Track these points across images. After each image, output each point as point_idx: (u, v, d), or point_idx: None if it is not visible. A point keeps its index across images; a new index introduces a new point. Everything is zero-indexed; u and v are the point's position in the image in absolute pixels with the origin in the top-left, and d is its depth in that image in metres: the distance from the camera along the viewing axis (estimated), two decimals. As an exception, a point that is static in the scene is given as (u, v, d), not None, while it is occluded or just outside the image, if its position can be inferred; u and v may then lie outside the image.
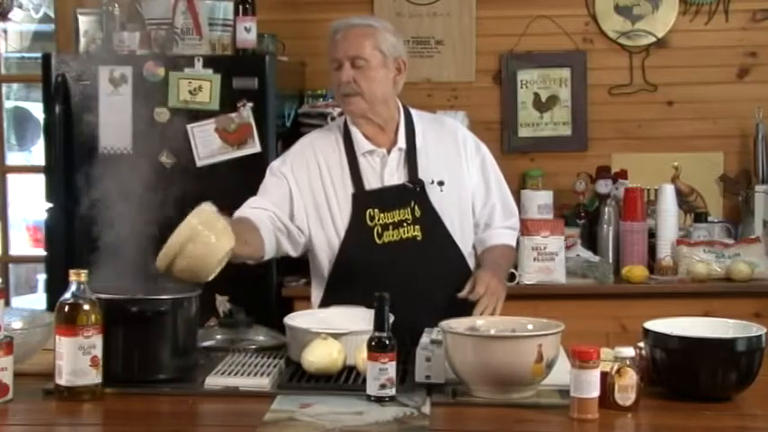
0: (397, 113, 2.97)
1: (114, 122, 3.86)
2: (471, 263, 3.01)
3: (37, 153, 8.35)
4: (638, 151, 4.55)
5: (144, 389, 2.34)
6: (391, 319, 2.30)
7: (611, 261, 4.16)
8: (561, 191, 4.42)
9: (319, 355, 2.39)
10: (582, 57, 4.56)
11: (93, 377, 2.25)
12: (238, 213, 2.82)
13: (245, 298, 3.23)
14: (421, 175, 2.91)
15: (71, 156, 3.94)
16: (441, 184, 2.91)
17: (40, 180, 4.13)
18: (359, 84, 2.85)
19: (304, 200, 2.90)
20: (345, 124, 2.96)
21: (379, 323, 2.25)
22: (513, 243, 3.12)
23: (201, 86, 3.89)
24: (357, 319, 2.57)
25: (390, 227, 2.87)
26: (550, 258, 3.99)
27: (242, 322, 2.75)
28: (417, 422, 2.10)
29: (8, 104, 7.73)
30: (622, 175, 4.39)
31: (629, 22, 4.55)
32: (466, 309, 2.73)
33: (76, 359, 2.23)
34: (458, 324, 2.37)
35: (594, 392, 2.11)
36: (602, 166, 4.41)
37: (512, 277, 3.92)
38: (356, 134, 2.93)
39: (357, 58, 2.85)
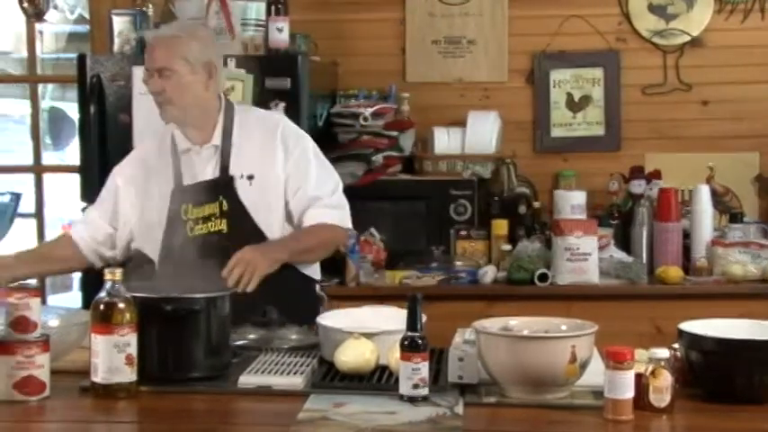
0: (216, 112, 3.06)
1: (147, 122, 3.87)
2: None
3: (70, 153, 8.42)
4: (673, 151, 4.52)
5: (178, 387, 2.35)
6: (424, 318, 2.29)
7: (644, 262, 4.13)
8: (594, 191, 4.40)
9: (352, 355, 2.39)
10: (615, 56, 4.54)
11: (128, 375, 2.27)
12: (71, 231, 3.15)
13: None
14: (232, 170, 3.02)
15: (105, 155, 3.96)
16: (250, 178, 3.02)
17: (74, 179, 4.17)
18: (168, 93, 2.96)
19: (131, 204, 3.09)
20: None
21: (411, 323, 2.25)
22: (330, 219, 3.08)
23: (234, 87, 3.90)
24: (390, 318, 2.57)
25: (201, 221, 2.99)
26: (583, 259, 3.97)
27: (275, 321, 2.76)
28: (450, 422, 2.10)
29: (44, 104, 7.79)
30: (656, 175, 4.36)
31: (662, 21, 4.52)
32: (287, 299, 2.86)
33: (112, 357, 2.25)
34: (491, 324, 2.36)
35: (629, 394, 2.10)
36: (635, 166, 4.38)
37: (543, 277, 3.92)
38: (177, 134, 3.08)
39: (164, 69, 2.95)
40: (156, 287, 2.48)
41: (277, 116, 3.31)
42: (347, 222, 3.15)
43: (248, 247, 2.88)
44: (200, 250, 2.89)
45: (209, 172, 3.03)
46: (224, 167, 3.02)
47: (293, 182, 3.07)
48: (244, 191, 3.01)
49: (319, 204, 3.08)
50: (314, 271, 3.18)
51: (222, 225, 2.99)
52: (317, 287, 3.15)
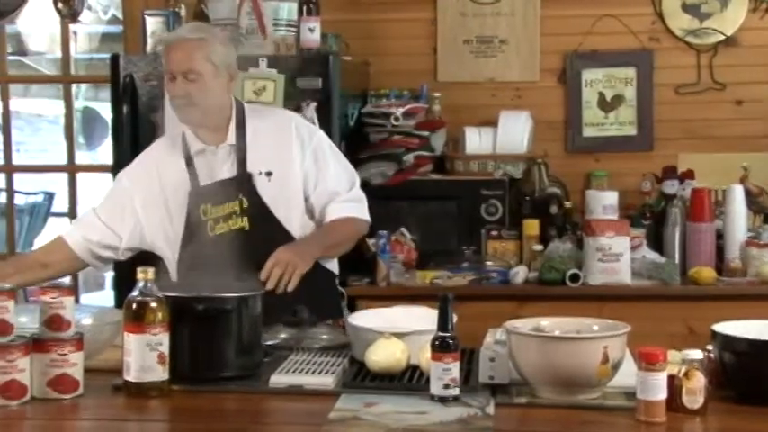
0: (229, 112, 3.06)
1: (180, 122, 3.89)
2: None
3: (103, 152, 8.48)
4: (706, 151, 4.49)
5: (209, 386, 2.36)
6: (455, 318, 2.29)
7: (677, 262, 4.10)
8: (626, 191, 4.37)
9: (383, 355, 2.39)
10: (648, 56, 4.52)
11: (160, 374, 2.28)
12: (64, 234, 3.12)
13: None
14: (250, 168, 3.03)
15: (137, 155, 3.98)
16: (269, 174, 3.03)
17: (107, 179, 4.19)
18: (192, 96, 2.96)
19: (142, 205, 3.07)
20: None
21: (442, 323, 2.24)
22: (352, 213, 3.13)
23: (266, 86, 3.91)
24: (420, 318, 2.57)
25: (221, 220, 2.99)
26: (615, 259, 3.95)
27: (306, 321, 2.76)
28: (481, 423, 2.10)
29: (77, 104, 7.85)
30: (689, 175, 4.33)
31: (696, 21, 4.49)
32: (314, 295, 2.86)
33: (144, 356, 2.26)
34: (522, 324, 2.35)
35: (662, 395, 2.09)
36: (668, 166, 4.36)
37: (575, 278, 3.90)
38: (189, 135, 3.07)
39: (189, 72, 2.95)
40: (188, 286, 2.50)
41: (287, 113, 3.32)
42: (366, 214, 3.20)
43: (283, 248, 2.90)
44: (223, 248, 2.90)
45: (227, 171, 3.04)
46: (241, 165, 3.03)
47: (312, 177, 3.09)
48: (263, 187, 3.02)
49: (340, 199, 3.11)
50: (333, 266, 3.20)
51: (244, 222, 3.00)
52: (337, 281, 3.20)
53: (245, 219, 3.00)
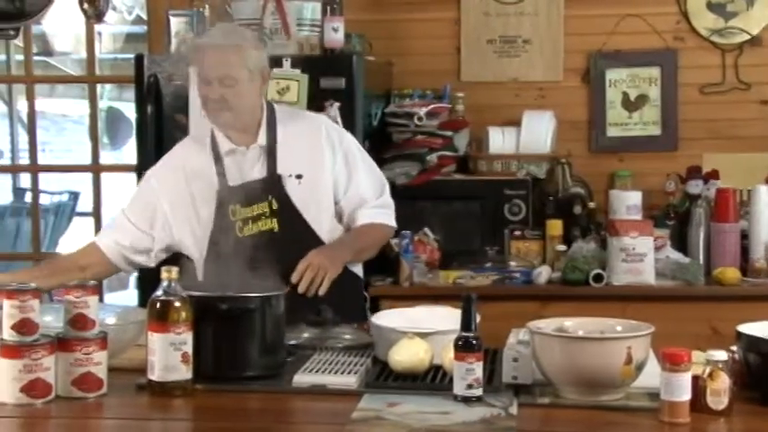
0: (260, 113, 3.07)
1: (204, 122, 3.89)
2: None
3: (127, 152, 8.53)
4: (731, 151, 4.46)
5: (232, 385, 2.36)
6: (478, 318, 2.29)
7: (701, 263, 4.09)
8: (650, 191, 4.36)
9: (406, 355, 2.39)
10: (672, 55, 4.50)
11: (184, 373, 2.29)
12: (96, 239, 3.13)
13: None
14: (280, 170, 3.03)
15: (162, 155, 3.99)
16: (299, 177, 3.03)
17: (131, 179, 4.21)
18: (228, 100, 2.97)
19: (170, 206, 3.07)
20: (212, 128, 3.10)
21: (465, 323, 2.24)
22: (381, 219, 3.16)
23: (289, 86, 3.92)
24: (443, 318, 2.57)
25: (250, 221, 3.00)
26: (639, 259, 3.93)
27: (329, 321, 2.77)
28: (504, 423, 2.09)
29: (102, 104, 7.90)
30: (714, 175, 4.31)
31: (721, 20, 4.47)
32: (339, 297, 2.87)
33: (168, 355, 2.27)
34: (546, 325, 2.35)
35: (686, 396, 2.08)
36: (692, 166, 4.34)
37: (599, 278, 3.89)
38: (219, 135, 3.08)
39: (226, 78, 2.95)
40: (211, 286, 2.51)
41: (318, 116, 3.33)
42: (393, 221, 3.22)
43: (315, 251, 2.92)
44: (252, 249, 2.88)
45: (257, 172, 3.05)
46: (272, 167, 3.04)
47: (343, 181, 3.10)
48: (293, 190, 3.03)
49: (370, 204, 3.13)
50: (358, 269, 3.20)
51: (273, 224, 3.01)
52: (362, 284, 3.21)
53: (275, 220, 3.00)
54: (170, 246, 3.11)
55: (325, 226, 3.07)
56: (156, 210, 3.09)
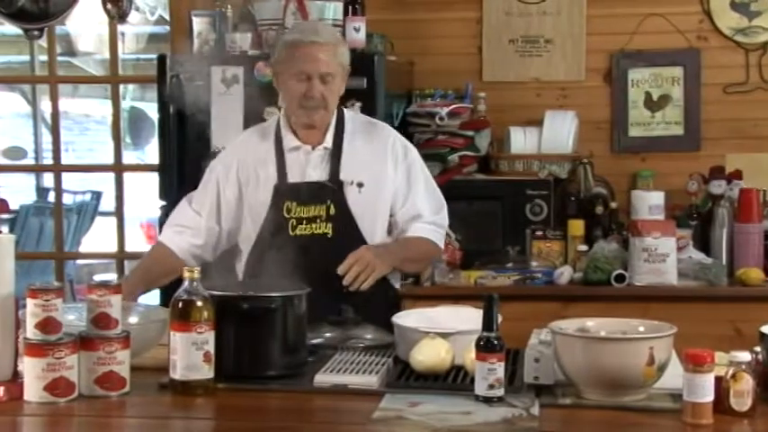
0: (332, 114, 3.07)
1: (226, 122, 3.92)
2: None
3: (150, 152, 8.57)
4: (754, 151, 4.44)
5: (254, 385, 2.37)
6: (500, 319, 2.29)
7: (724, 263, 4.07)
8: (673, 191, 4.34)
9: (428, 354, 2.39)
10: (695, 55, 4.48)
11: (206, 372, 2.29)
12: (161, 239, 3.13)
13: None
14: (342, 176, 3.02)
15: (184, 155, 4.02)
16: (360, 185, 3.02)
17: (153, 179, 4.23)
18: (326, 98, 2.98)
19: (234, 195, 3.06)
20: (278, 121, 3.10)
21: (487, 323, 2.24)
22: (432, 237, 3.15)
23: (311, 86, 3.91)
24: (465, 318, 2.57)
25: (304, 221, 2.99)
26: (661, 260, 3.92)
27: (350, 321, 2.77)
28: (526, 423, 2.09)
29: (124, 105, 7.93)
30: (737, 175, 4.29)
31: (745, 19, 4.44)
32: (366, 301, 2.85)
33: (190, 354, 2.27)
34: (567, 325, 2.34)
35: (709, 397, 2.07)
36: (715, 166, 4.31)
37: (620, 278, 3.88)
38: (286, 131, 3.06)
39: (327, 75, 2.96)
40: (234, 285, 2.51)
41: (386, 126, 3.27)
42: (442, 243, 3.22)
43: (365, 248, 2.93)
44: (301, 250, 2.90)
45: (319, 174, 3.03)
46: (334, 171, 3.03)
47: (402, 194, 3.10)
48: (352, 197, 3.02)
49: (425, 220, 3.12)
50: (395, 277, 3.18)
51: (327, 229, 2.99)
52: (395, 292, 3.20)
53: (330, 225, 2.99)
54: (235, 236, 3.10)
55: (378, 237, 3.06)
56: (222, 201, 3.08)
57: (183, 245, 3.09)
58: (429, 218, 3.13)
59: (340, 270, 2.85)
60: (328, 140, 3.04)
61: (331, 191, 3.01)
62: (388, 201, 3.08)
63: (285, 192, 3.01)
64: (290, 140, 3.05)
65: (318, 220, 2.99)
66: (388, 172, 3.08)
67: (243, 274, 3.06)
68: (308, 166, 3.04)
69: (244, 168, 3.08)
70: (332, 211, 2.99)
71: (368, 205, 3.04)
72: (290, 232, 2.98)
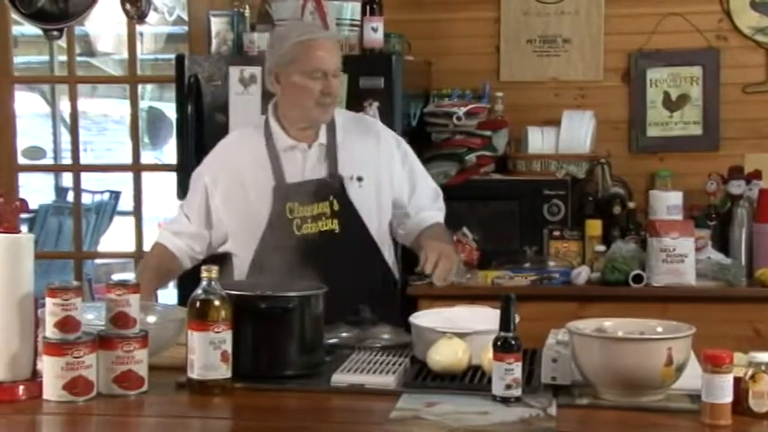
0: None
1: (243, 122, 3.92)
2: (386, 255, 3.11)
3: (168, 152, 8.59)
4: (774, 152, 4.42)
5: (271, 384, 2.37)
6: (517, 319, 2.28)
7: (743, 264, 4.05)
8: (691, 191, 4.32)
9: (445, 354, 2.39)
10: (715, 54, 4.46)
11: (224, 372, 2.30)
12: (160, 240, 3.13)
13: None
14: (341, 171, 3.03)
15: (202, 155, 4.01)
16: (359, 179, 3.04)
17: (171, 178, 4.24)
18: (338, 95, 3.02)
19: (222, 201, 3.06)
20: (266, 121, 3.08)
21: (504, 323, 2.24)
22: (443, 220, 3.21)
23: (329, 86, 3.92)
24: (482, 318, 2.57)
25: (309, 220, 2.99)
26: (680, 260, 3.90)
27: (367, 320, 2.77)
28: (543, 424, 2.09)
29: (143, 105, 7.96)
30: (756, 175, 4.27)
31: (765, 19, 4.42)
32: (380, 299, 2.89)
33: (207, 354, 2.28)
34: (585, 325, 2.34)
35: (728, 398, 2.06)
36: (734, 166, 4.29)
37: (638, 278, 3.86)
38: (276, 131, 3.05)
39: (337, 71, 3.00)
40: (251, 285, 2.51)
41: (369, 118, 3.36)
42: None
43: (435, 243, 2.96)
44: (310, 248, 2.90)
45: (318, 171, 3.04)
46: (333, 167, 3.04)
47: (405, 184, 3.13)
48: (354, 192, 3.03)
49: (434, 206, 3.19)
50: (393, 264, 3.20)
51: (334, 225, 3.00)
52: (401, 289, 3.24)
53: (335, 221, 3.00)
54: (222, 242, 3.12)
55: (382, 230, 3.10)
56: (210, 207, 3.09)
57: (183, 246, 3.10)
58: (436, 203, 3.19)
59: (427, 269, 2.85)
60: (323, 137, 3.05)
61: (333, 187, 3.02)
62: (388, 193, 3.10)
63: (285, 192, 3.01)
64: (284, 140, 3.05)
65: (324, 218, 3.00)
66: (384, 164, 3.10)
67: (246, 276, 3.02)
68: (307, 164, 3.04)
69: (232, 173, 3.07)
70: (335, 206, 3.00)
71: (369, 199, 3.06)
72: (296, 232, 2.98)
